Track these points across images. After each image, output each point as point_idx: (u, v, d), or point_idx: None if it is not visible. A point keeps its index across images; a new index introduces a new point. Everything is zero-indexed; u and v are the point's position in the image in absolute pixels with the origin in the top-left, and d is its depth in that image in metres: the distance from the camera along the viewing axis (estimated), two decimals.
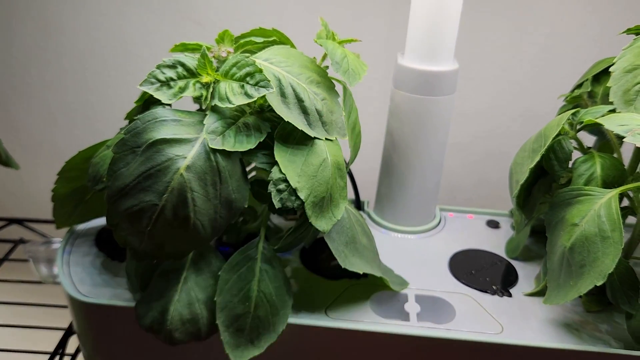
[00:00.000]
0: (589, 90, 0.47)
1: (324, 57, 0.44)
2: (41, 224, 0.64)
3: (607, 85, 0.43)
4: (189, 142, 0.37)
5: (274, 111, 0.41)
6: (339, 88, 0.43)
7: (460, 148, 0.70)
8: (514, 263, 0.49)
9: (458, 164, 0.71)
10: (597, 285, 0.37)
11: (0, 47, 0.68)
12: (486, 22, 0.65)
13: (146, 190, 0.36)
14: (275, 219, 0.52)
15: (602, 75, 0.47)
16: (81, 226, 0.50)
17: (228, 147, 0.37)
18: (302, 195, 0.38)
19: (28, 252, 0.59)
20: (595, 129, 0.50)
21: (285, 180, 0.38)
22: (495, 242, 0.52)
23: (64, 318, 0.55)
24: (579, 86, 0.48)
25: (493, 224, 0.55)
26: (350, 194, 0.53)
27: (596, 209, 0.39)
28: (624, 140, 0.37)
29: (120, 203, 0.37)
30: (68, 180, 0.46)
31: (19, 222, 0.64)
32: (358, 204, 0.56)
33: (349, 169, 0.51)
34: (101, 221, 0.51)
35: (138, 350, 0.44)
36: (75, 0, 0.66)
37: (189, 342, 0.40)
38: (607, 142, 0.49)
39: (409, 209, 0.52)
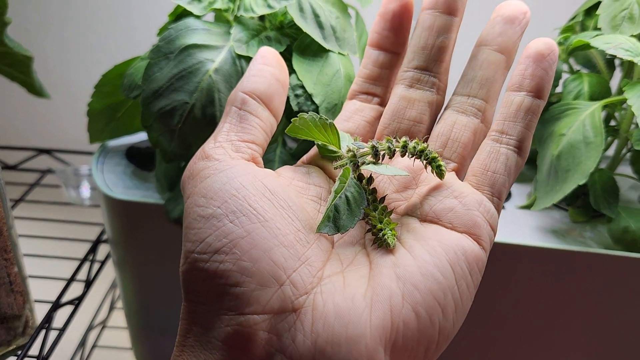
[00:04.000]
0: (580, 20, 0.51)
1: None
2: (66, 155, 0.69)
3: (597, 13, 0.47)
4: (217, 48, 0.41)
5: (292, 28, 0.45)
6: (352, 14, 0.48)
7: None
8: None
9: None
10: (580, 184, 0.42)
11: None
12: None
13: (178, 90, 0.41)
14: (290, 142, 0.56)
15: (593, 9, 0.51)
16: (112, 142, 0.54)
17: (252, 54, 0.41)
18: (317, 100, 0.42)
19: (59, 176, 0.64)
20: (587, 62, 0.54)
21: (302, 87, 0.42)
22: None
23: (92, 233, 0.60)
24: (572, 19, 0.52)
25: None
26: None
27: (582, 119, 0.43)
28: (607, 52, 0.41)
29: (154, 104, 0.41)
30: (103, 95, 0.50)
31: (48, 152, 0.68)
32: None
33: None
34: (130, 139, 0.55)
35: (165, 249, 0.48)
36: None
37: None
38: (598, 72, 0.53)
39: None
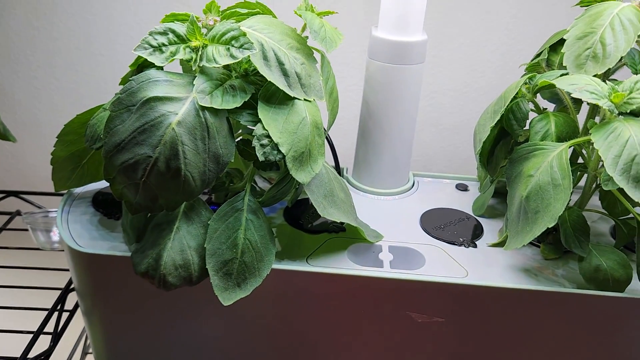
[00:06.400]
0: (546, 58, 0.51)
1: (304, 28, 0.48)
2: (37, 196, 0.67)
3: (562, 51, 0.47)
4: (180, 100, 0.40)
5: (257, 75, 0.44)
6: (317, 57, 0.47)
7: (432, 122, 0.74)
8: (480, 220, 0.54)
9: (430, 138, 0.75)
10: (549, 227, 0.41)
11: None
12: (456, 2, 0.69)
13: (141, 144, 0.40)
14: (260, 183, 0.56)
15: (558, 45, 0.51)
16: (78, 190, 0.53)
17: (216, 105, 0.41)
18: (283, 149, 0.42)
19: (27, 220, 0.63)
20: (554, 97, 0.54)
21: (268, 136, 0.42)
22: (464, 203, 0.56)
23: (63, 280, 0.58)
24: (538, 55, 0.52)
25: (462, 187, 0.59)
26: (330, 161, 0.57)
27: (549, 161, 0.43)
28: (572, 95, 0.41)
29: (116, 157, 0.40)
30: (66, 143, 0.49)
31: (16, 194, 0.67)
32: (337, 170, 0.60)
33: (328, 135, 0.54)
34: (97, 185, 0.54)
35: (133, 300, 0.47)
36: None
37: (182, 287, 0.43)
38: (564, 108, 0.53)
39: (383, 172, 0.56)
